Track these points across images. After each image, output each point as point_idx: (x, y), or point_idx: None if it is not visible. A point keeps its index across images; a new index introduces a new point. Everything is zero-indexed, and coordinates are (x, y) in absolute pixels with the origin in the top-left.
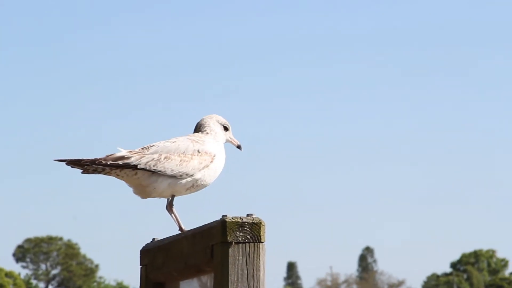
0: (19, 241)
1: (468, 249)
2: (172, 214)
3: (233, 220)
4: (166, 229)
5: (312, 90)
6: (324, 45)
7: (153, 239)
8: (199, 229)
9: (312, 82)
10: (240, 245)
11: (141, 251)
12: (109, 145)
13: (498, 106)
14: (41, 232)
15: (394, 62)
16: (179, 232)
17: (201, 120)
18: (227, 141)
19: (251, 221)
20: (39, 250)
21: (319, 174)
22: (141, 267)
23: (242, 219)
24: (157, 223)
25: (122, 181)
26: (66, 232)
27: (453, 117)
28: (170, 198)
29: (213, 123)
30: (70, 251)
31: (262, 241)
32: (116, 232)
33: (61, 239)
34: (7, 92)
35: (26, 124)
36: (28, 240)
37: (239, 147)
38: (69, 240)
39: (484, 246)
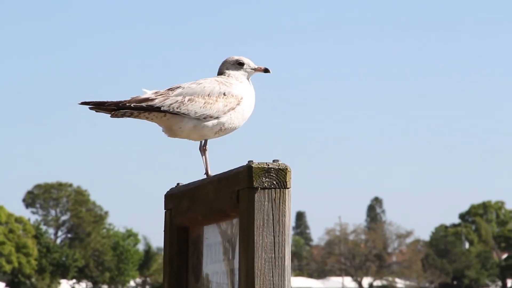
0: (29, 186)
1: (477, 200)
2: (203, 157)
3: (259, 166)
4: (180, 178)
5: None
6: None
7: (178, 183)
8: (225, 174)
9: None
10: (266, 190)
11: (166, 195)
12: (138, 86)
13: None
14: (51, 178)
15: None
16: (205, 176)
17: (218, 71)
18: (251, 73)
19: (277, 167)
20: (49, 196)
21: (326, 124)
22: (165, 212)
23: (268, 165)
24: (165, 173)
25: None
26: (75, 178)
27: (462, 68)
28: (203, 141)
29: (226, 68)
30: (79, 198)
31: (288, 187)
32: (126, 180)
33: (70, 185)
34: (25, 35)
35: (45, 68)
36: (38, 186)
37: (266, 70)
38: (78, 187)
39: (492, 197)
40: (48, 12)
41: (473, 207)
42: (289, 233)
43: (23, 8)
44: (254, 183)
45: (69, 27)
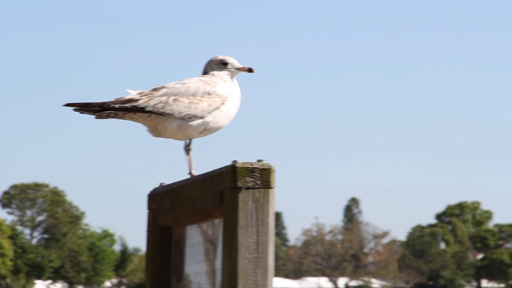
0: (5, 187)
1: (453, 200)
2: (188, 157)
3: (243, 166)
4: (164, 178)
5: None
6: None
7: (161, 183)
8: (209, 174)
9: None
10: (250, 190)
11: (149, 195)
12: (122, 86)
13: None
14: (28, 179)
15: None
16: (189, 176)
17: (202, 71)
18: (236, 73)
19: (261, 167)
20: (25, 196)
21: (302, 123)
22: (148, 212)
23: (253, 165)
24: (147, 173)
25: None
26: (52, 179)
27: (441, 69)
28: (188, 141)
29: (210, 68)
30: (56, 198)
31: (272, 186)
32: (103, 181)
33: (47, 186)
34: (12, 35)
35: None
36: (14, 186)
37: (250, 70)
38: (55, 187)
39: (469, 198)
40: (32, 13)
41: (449, 208)
42: (273, 233)
43: (6, 8)
44: (238, 183)
45: (52, 28)
